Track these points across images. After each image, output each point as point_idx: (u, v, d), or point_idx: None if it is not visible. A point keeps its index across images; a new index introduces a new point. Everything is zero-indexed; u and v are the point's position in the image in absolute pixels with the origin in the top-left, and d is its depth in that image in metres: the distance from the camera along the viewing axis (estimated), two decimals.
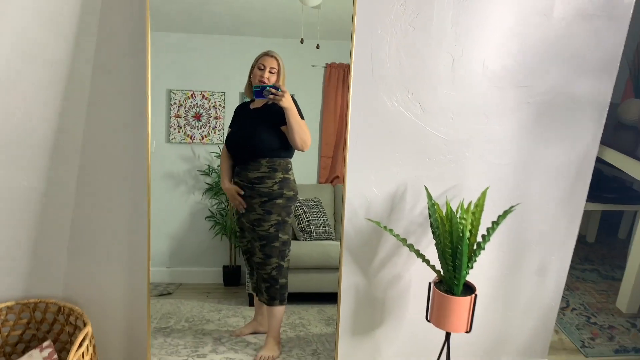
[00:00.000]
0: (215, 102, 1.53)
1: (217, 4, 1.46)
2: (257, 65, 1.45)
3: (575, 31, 1.50)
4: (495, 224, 1.46)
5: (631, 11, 1.50)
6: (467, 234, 1.37)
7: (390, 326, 1.75)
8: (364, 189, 1.58)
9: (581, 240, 3.13)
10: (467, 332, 1.44)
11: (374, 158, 1.56)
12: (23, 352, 1.53)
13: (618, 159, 2.48)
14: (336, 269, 1.59)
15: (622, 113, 2.85)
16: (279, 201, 1.52)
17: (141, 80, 1.40)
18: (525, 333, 1.85)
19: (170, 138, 1.54)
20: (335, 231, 1.67)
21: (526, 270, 1.76)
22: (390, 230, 1.52)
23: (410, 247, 1.48)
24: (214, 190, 1.58)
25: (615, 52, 1.53)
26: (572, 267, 2.81)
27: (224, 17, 1.48)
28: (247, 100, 1.52)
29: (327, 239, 1.65)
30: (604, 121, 1.62)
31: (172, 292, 1.63)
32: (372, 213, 1.61)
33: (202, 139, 1.55)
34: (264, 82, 1.43)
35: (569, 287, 2.62)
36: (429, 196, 1.48)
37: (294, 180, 1.54)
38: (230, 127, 1.53)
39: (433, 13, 1.44)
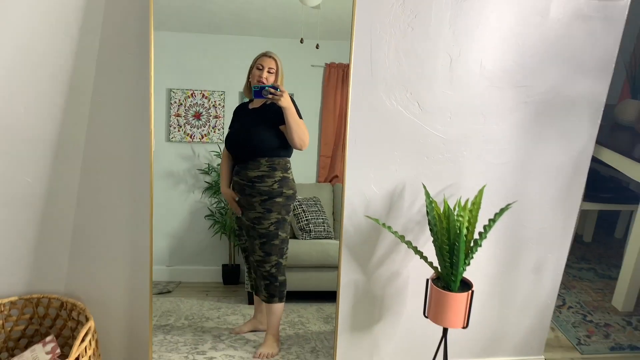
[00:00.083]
0: (215, 101, 1.54)
1: (217, 4, 1.47)
2: (256, 66, 1.47)
3: (572, 32, 1.52)
4: (492, 221, 1.48)
5: (626, 12, 1.52)
6: (464, 231, 1.39)
7: (388, 322, 1.77)
8: (363, 187, 1.60)
9: (578, 239, 3.15)
10: (464, 327, 1.46)
11: (373, 156, 1.58)
12: (26, 347, 1.54)
13: (615, 159, 2.50)
14: (335, 267, 1.61)
15: (618, 114, 2.87)
16: (279, 200, 1.54)
17: (144, 79, 1.42)
18: (522, 330, 1.87)
19: (170, 137, 1.54)
20: (334, 230, 1.68)
21: (523, 268, 1.78)
22: (389, 228, 1.54)
23: (409, 243, 1.50)
24: (213, 189, 1.59)
25: (611, 52, 1.55)
26: (568, 266, 2.83)
27: (224, 16, 1.48)
28: (246, 100, 1.53)
29: (326, 238, 1.66)
30: (599, 121, 1.64)
31: (172, 290, 1.64)
32: (371, 211, 1.63)
33: (202, 138, 1.55)
34: (263, 82, 1.45)
35: (566, 285, 2.64)
36: (427, 194, 1.50)
37: (292, 179, 1.55)
38: (230, 127, 1.54)
39: (431, 14, 1.45)
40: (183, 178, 1.57)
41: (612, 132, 2.79)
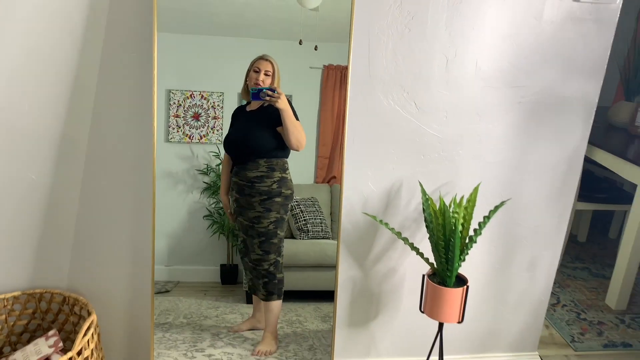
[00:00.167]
0: (214, 102, 1.55)
1: (217, 6, 1.48)
2: (253, 69, 1.49)
3: (565, 34, 1.55)
4: (487, 218, 1.50)
5: (618, 15, 1.55)
6: (460, 228, 1.41)
7: (385, 318, 1.79)
8: (361, 185, 1.63)
9: (572, 239, 3.18)
10: (459, 322, 1.49)
11: (371, 155, 1.60)
12: (28, 342, 1.55)
13: (609, 160, 2.53)
14: (332, 267, 1.62)
15: (612, 115, 2.90)
16: (278, 199, 1.56)
17: (147, 80, 1.44)
18: (516, 327, 1.89)
19: (169, 137, 1.55)
20: (331, 230, 1.69)
21: (517, 265, 1.81)
22: (386, 224, 1.57)
23: (405, 240, 1.53)
24: (212, 189, 1.60)
25: (603, 54, 1.58)
26: (563, 266, 2.86)
27: (224, 18, 1.49)
28: (244, 103, 1.55)
29: (323, 238, 1.67)
30: (591, 121, 1.67)
31: (170, 289, 1.64)
32: (369, 208, 1.65)
33: (201, 138, 1.56)
34: (260, 85, 1.47)
35: (560, 284, 2.66)
36: (423, 191, 1.53)
37: (290, 180, 1.57)
38: (229, 129, 1.56)
39: (428, 15, 1.48)
40: (182, 178, 1.58)
41: (606, 133, 2.82)
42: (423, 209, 1.50)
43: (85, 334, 1.35)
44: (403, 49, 1.51)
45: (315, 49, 1.53)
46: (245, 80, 1.51)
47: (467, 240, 1.47)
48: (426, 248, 1.57)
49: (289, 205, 1.59)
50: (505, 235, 1.76)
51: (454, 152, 1.63)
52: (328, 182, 1.66)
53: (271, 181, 1.54)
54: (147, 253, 1.60)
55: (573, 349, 2.14)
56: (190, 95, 1.54)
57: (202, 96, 1.54)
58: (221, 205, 1.61)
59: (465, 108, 1.59)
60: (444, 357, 1.79)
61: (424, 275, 1.53)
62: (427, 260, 1.53)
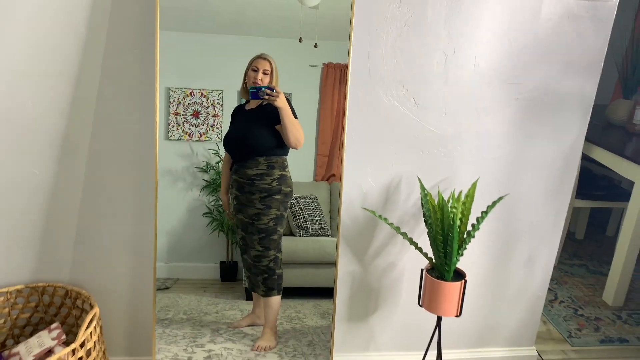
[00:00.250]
0: (213, 100, 1.55)
1: (217, 4, 1.49)
2: (251, 68, 1.50)
3: (562, 31, 1.56)
4: (485, 213, 1.52)
5: (615, 12, 1.56)
6: (458, 222, 1.43)
7: (384, 313, 1.81)
8: (360, 181, 1.64)
9: (570, 237, 3.20)
10: (457, 316, 1.50)
11: (370, 151, 1.62)
12: (31, 335, 1.57)
13: (607, 158, 2.55)
14: (331, 264, 1.63)
15: (610, 113, 2.92)
16: (278, 197, 1.57)
17: (149, 77, 1.45)
18: (514, 322, 1.91)
19: (169, 135, 1.55)
20: (330, 228, 1.70)
21: (514, 261, 1.82)
22: (385, 219, 1.58)
23: (404, 235, 1.54)
24: (211, 187, 1.61)
25: (600, 51, 1.60)
26: (561, 263, 2.87)
27: (224, 16, 1.50)
28: (243, 102, 1.56)
29: (323, 235, 1.68)
30: (589, 118, 1.68)
31: (170, 286, 1.65)
32: (368, 204, 1.67)
33: (201, 136, 1.57)
34: (258, 84, 1.48)
35: (558, 281, 2.68)
36: (422, 187, 1.54)
37: (290, 177, 1.59)
38: (228, 128, 1.57)
39: (427, 13, 1.49)
40: (181, 176, 1.58)
41: (605, 131, 2.84)
42: (422, 204, 1.52)
43: (88, 326, 1.37)
44: (402, 46, 1.52)
45: (315, 47, 1.53)
46: (244, 79, 1.52)
47: (465, 235, 1.49)
48: (425, 243, 1.59)
49: (289, 203, 1.61)
50: (503, 231, 1.77)
51: (453, 148, 1.64)
52: (327, 180, 1.66)
53: (271, 179, 1.55)
54: (149, 248, 1.61)
55: (570, 344, 2.16)
56: (190, 93, 1.54)
57: (202, 94, 1.55)
58: (221, 202, 1.62)
59: (464, 104, 1.60)
60: (442, 352, 1.81)
61: (422, 270, 1.54)
62: (425, 254, 1.54)
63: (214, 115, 1.56)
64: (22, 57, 1.39)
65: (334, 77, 1.56)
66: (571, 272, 2.79)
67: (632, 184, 2.42)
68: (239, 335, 1.68)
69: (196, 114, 1.56)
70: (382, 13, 1.48)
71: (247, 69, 1.50)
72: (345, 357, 1.83)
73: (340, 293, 1.75)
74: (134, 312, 1.70)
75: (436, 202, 1.48)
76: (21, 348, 1.41)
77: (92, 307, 1.49)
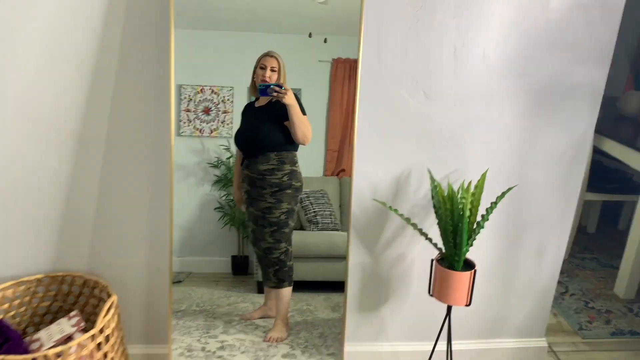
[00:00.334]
0: (224, 97, 1.57)
1: (226, 1, 1.50)
2: (259, 65, 1.52)
3: (571, 22, 1.56)
4: (494, 204, 1.53)
5: (624, 2, 1.55)
6: (467, 213, 1.44)
7: (394, 303, 1.83)
8: (371, 173, 1.66)
9: (582, 230, 3.18)
10: (467, 305, 1.51)
11: (380, 143, 1.63)
12: (50, 323, 1.61)
13: (618, 150, 2.53)
14: (342, 257, 1.65)
15: (622, 105, 2.89)
16: (289, 191, 1.60)
17: (164, 73, 1.48)
18: (524, 313, 1.91)
19: (181, 131, 1.58)
20: (341, 222, 1.71)
21: (524, 252, 1.83)
22: (395, 210, 1.59)
23: (414, 226, 1.56)
24: (222, 182, 1.63)
25: (609, 41, 1.59)
26: (572, 256, 2.86)
27: (233, 13, 1.51)
28: (253, 99, 1.58)
29: (333, 230, 1.70)
30: (598, 108, 1.68)
31: (183, 280, 1.68)
32: (378, 195, 1.68)
33: (211, 132, 1.59)
34: (266, 81, 1.51)
35: (569, 274, 2.67)
36: (432, 178, 1.55)
37: (300, 172, 1.61)
38: (240, 126, 1.59)
39: (436, 5, 1.50)
40: (193, 171, 1.61)
41: (616, 123, 2.82)
42: (432, 195, 1.53)
43: (106, 313, 1.40)
44: (412, 39, 1.53)
45: (325, 42, 1.55)
46: (253, 77, 1.54)
47: (474, 226, 1.50)
48: (434, 234, 1.60)
49: (299, 197, 1.63)
50: (513, 222, 1.78)
51: (462, 140, 1.65)
52: (337, 175, 1.68)
53: (282, 174, 1.58)
54: (165, 240, 1.64)
55: (581, 336, 2.16)
56: (201, 89, 1.56)
57: (213, 91, 1.57)
58: (232, 197, 1.64)
59: (473, 96, 1.61)
60: (453, 342, 1.82)
61: (432, 260, 1.55)
62: (435, 245, 1.55)
63: (225, 112, 1.58)
64: (40, 54, 1.43)
65: (344, 72, 1.57)
66: (582, 265, 2.79)
67: None
68: (251, 327, 1.70)
69: (207, 111, 1.58)
70: (392, 6, 1.49)
71: (255, 67, 1.53)
72: (356, 347, 1.84)
73: (351, 284, 1.77)
74: (149, 301, 1.73)
75: (446, 193, 1.49)
76: (42, 334, 1.45)
77: (109, 295, 1.52)
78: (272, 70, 1.51)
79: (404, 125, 1.62)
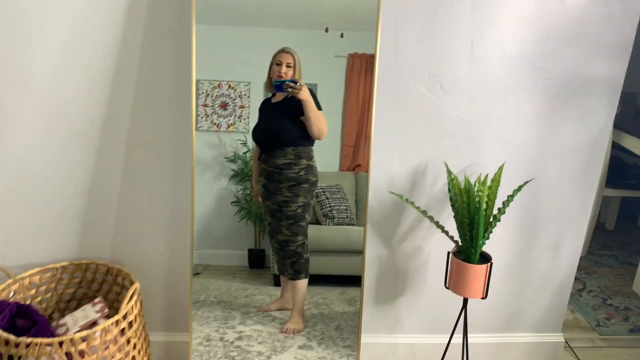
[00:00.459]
0: (241, 92, 1.58)
1: None
2: (275, 62, 1.54)
3: (590, 15, 1.55)
4: (511, 197, 1.53)
5: None
6: (484, 206, 1.44)
7: (410, 296, 1.84)
8: (388, 165, 1.67)
9: (600, 227, 3.14)
10: (483, 298, 1.51)
11: (397, 136, 1.64)
12: (75, 309, 1.66)
13: (638, 146, 2.49)
14: (357, 252, 1.65)
15: None
16: (305, 186, 1.62)
17: (185, 68, 1.51)
18: (540, 308, 1.91)
19: (198, 126, 1.59)
20: (356, 217, 1.72)
21: (541, 247, 1.82)
22: (412, 203, 1.60)
23: (431, 218, 1.57)
24: (239, 176, 1.65)
25: (629, 35, 1.58)
26: (590, 253, 2.83)
27: (250, 8, 1.52)
28: (270, 95, 1.60)
29: (348, 224, 1.71)
30: (617, 103, 1.66)
31: (200, 272, 1.70)
32: (395, 188, 1.70)
33: (228, 127, 1.60)
34: (282, 77, 1.53)
35: (587, 271, 2.65)
36: (449, 171, 1.56)
37: (316, 167, 1.63)
38: (257, 122, 1.61)
39: None
40: (210, 165, 1.62)
41: (636, 119, 2.78)
42: (448, 188, 1.53)
43: (130, 300, 1.44)
44: (429, 32, 1.53)
45: (342, 37, 1.56)
46: (269, 74, 1.56)
47: (491, 219, 1.50)
48: (451, 228, 1.60)
49: (315, 191, 1.65)
50: (529, 217, 1.77)
51: (479, 134, 1.65)
52: (353, 170, 1.68)
53: (299, 168, 1.60)
54: (186, 230, 1.68)
55: (598, 333, 2.14)
56: (218, 85, 1.57)
57: (230, 86, 1.57)
58: (248, 191, 1.66)
59: (490, 90, 1.61)
60: (469, 335, 1.82)
61: (449, 252, 1.56)
62: (452, 238, 1.56)
63: (242, 107, 1.59)
64: (65, 48, 1.47)
65: (360, 68, 1.57)
66: (600, 262, 2.76)
67: None
68: (268, 319, 1.72)
69: (224, 106, 1.59)
70: (409, 0, 1.49)
71: (271, 63, 1.55)
72: (372, 339, 1.86)
73: (368, 276, 1.78)
74: (170, 291, 1.77)
75: (462, 186, 1.49)
76: (68, 320, 1.50)
77: (132, 283, 1.56)
78: (288, 67, 1.53)
79: (421, 118, 1.62)
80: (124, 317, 1.41)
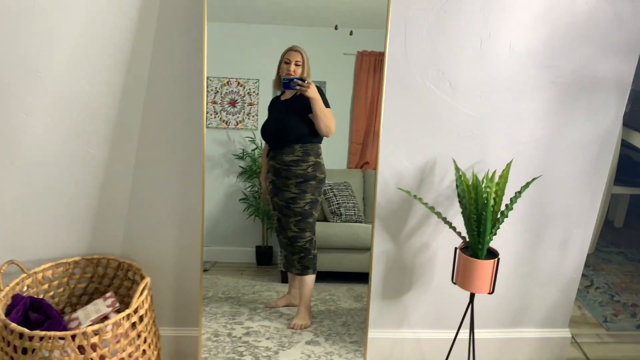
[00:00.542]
0: (249, 89, 1.59)
1: None
2: (284, 60, 1.55)
3: (599, 13, 1.55)
4: (519, 193, 1.53)
5: None
6: (492, 202, 1.45)
7: (417, 291, 1.85)
8: (396, 162, 1.68)
9: (609, 225, 3.13)
10: (490, 293, 1.52)
11: (406, 133, 1.65)
12: (86, 303, 1.68)
13: None
14: (365, 249, 1.66)
15: None
16: (313, 182, 1.63)
17: (197, 65, 1.52)
18: (547, 303, 1.91)
19: (207, 123, 1.58)
20: (364, 214, 1.72)
21: (548, 243, 1.83)
22: (420, 199, 1.61)
23: (438, 214, 1.57)
24: (247, 173, 1.66)
25: (637, 34, 1.57)
26: (598, 250, 2.82)
27: (259, 5, 1.53)
28: (279, 94, 1.61)
29: (356, 221, 1.71)
30: (625, 101, 1.66)
31: (208, 269, 1.71)
32: (403, 185, 1.70)
33: (237, 124, 1.61)
34: (291, 75, 1.54)
35: (594, 267, 2.64)
36: (457, 168, 1.56)
37: (323, 164, 1.64)
38: (266, 119, 1.62)
39: None
40: (218, 163, 1.63)
41: None
42: (456, 184, 1.54)
43: (141, 294, 1.45)
44: (438, 30, 1.54)
45: (351, 34, 1.56)
46: (278, 72, 1.57)
47: (498, 215, 1.50)
48: (458, 224, 1.61)
49: (322, 189, 1.66)
50: (537, 213, 1.78)
51: (487, 131, 1.66)
52: (361, 168, 1.69)
53: (306, 165, 1.61)
54: (196, 227, 1.69)
55: (605, 328, 2.14)
56: (227, 82, 1.58)
57: (239, 83, 1.58)
58: (256, 189, 1.68)
59: (499, 87, 1.61)
60: (475, 331, 1.83)
61: (456, 248, 1.56)
62: (459, 234, 1.57)
63: (250, 104, 1.60)
64: (78, 43, 1.49)
65: (369, 65, 1.57)
66: (608, 259, 2.75)
67: None
68: (276, 315, 1.73)
69: (233, 103, 1.60)
70: None
71: (280, 62, 1.55)
72: (379, 334, 1.87)
73: (375, 272, 1.79)
74: (180, 286, 1.78)
75: (470, 182, 1.50)
76: (80, 314, 1.52)
77: (142, 278, 1.57)
78: (297, 65, 1.55)
79: (429, 116, 1.63)
80: (135, 311, 1.42)
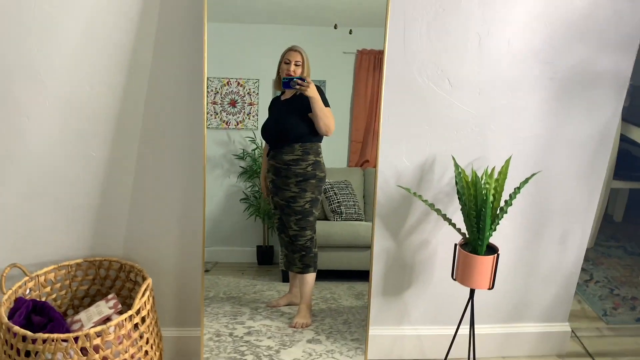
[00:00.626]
0: (249, 89, 1.58)
1: None
2: (284, 60, 1.55)
3: (598, 10, 1.55)
4: (518, 189, 1.54)
5: None
6: (491, 198, 1.45)
7: (418, 288, 1.86)
8: (395, 160, 1.68)
9: (608, 219, 3.13)
10: (489, 288, 1.53)
11: (405, 130, 1.65)
12: (88, 306, 1.68)
13: None
14: (365, 247, 1.66)
15: None
16: (312, 181, 1.63)
17: (197, 65, 1.52)
18: (547, 298, 1.92)
19: (207, 124, 1.57)
20: (364, 213, 1.73)
21: (548, 238, 1.83)
22: (420, 196, 1.62)
23: (438, 211, 1.58)
24: (248, 173, 1.66)
25: (637, 29, 1.58)
26: (597, 244, 2.83)
27: (258, 5, 1.53)
28: (279, 94, 1.61)
29: (356, 220, 1.71)
30: (624, 96, 1.66)
31: (209, 269, 1.70)
32: (403, 182, 1.71)
33: (237, 124, 1.61)
34: (291, 75, 1.54)
35: (594, 262, 2.65)
36: (456, 164, 1.57)
37: (323, 163, 1.64)
38: (266, 119, 1.62)
39: None
40: (219, 163, 1.63)
41: None
42: (456, 181, 1.54)
43: (143, 295, 1.46)
44: (437, 28, 1.54)
45: (350, 33, 1.56)
46: (278, 72, 1.57)
47: (498, 211, 1.51)
48: (458, 221, 1.61)
49: (322, 187, 1.66)
50: (536, 209, 1.78)
51: (487, 128, 1.66)
52: (361, 166, 1.69)
53: (306, 164, 1.61)
54: (198, 228, 1.69)
55: (605, 322, 2.14)
56: (227, 82, 1.58)
57: (239, 83, 1.58)
58: (257, 188, 1.68)
59: (498, 84, 1.61)
60: (475, 326, 1.83)
61: (456, 244, 1.57)
62: (459, 230, 1.57)
63: (250, 104, 1.60)
64: (80, 44, 1.48)
65: (368, 64, 1.57)
66: (608, 253, 2.76)
67: None
68: (277, 314, 1.73)
69: (233, 103, 1.59)
70: None
71: (280, 62, 1.56)
72: (379, 331, 1.88)
73: (376, 269, 1.80)
74: (182, 287, 1.79)
75: (470, 179, 1.50)
76: (82, 316, 1.52)
77: (144, 279, 1.58)
78: (297, 65, 1.55)
79: (429, 113, 1.63)
80: (137, 312, 1.43)
